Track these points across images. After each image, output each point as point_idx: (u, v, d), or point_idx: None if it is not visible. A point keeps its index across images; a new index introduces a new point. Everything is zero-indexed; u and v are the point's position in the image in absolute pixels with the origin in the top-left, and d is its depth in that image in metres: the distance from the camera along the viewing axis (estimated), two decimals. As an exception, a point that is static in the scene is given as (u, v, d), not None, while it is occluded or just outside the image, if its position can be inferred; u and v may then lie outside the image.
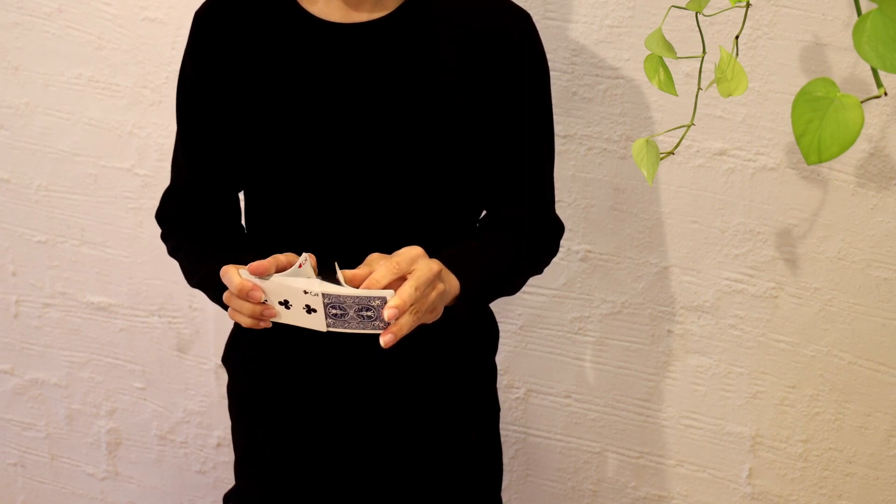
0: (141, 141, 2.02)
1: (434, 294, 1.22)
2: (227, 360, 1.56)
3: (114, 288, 2.14)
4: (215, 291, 1.36)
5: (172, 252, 1.49)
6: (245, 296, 1.21)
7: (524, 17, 1.37)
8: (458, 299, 1.30)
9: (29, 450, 2.32)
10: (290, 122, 1.36)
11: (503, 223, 1.44)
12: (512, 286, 1.43)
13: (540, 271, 1.49)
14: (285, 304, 1.21)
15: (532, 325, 1.95)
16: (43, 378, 2.25)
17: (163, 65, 1.96)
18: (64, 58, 2.01)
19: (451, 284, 1.28)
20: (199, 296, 2.09)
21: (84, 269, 2.15)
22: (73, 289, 2.16)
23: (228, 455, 2.20)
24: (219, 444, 2.20)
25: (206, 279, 1.39)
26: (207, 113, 1.41)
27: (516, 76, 1.36)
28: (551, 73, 1.66)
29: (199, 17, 1.41)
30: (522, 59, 1.36)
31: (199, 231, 1.47)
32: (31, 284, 2.19)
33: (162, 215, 1.51)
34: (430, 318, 1.24)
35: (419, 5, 1.36)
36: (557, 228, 1.49)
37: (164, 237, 1.51)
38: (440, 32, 1.35)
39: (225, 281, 1.23)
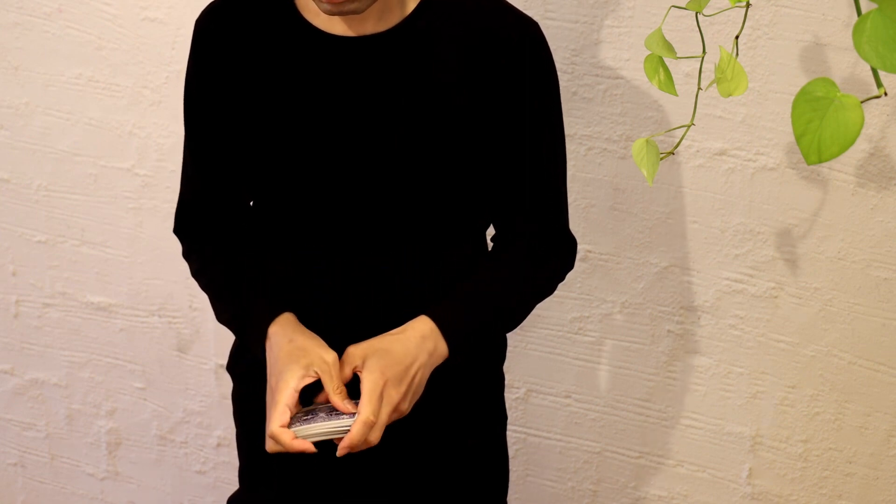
0: (141, 141, 2.02)
1: (396, 395, 1.32)
2: (231, 367, 1.55)
3: (114, 288, 2.14)
4: (242, 336, 1.42)
5: (195, 275, 1.49)
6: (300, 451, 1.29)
7: (528, 22, 1.37)
8: (447, 360, 1.36)
9: (29, 450, 2.32)
10: (293, 133, 1.36)
11: (510, 234, 1.44)
12: (510, 326, 1.45)
13: (551, 291, 1.48)
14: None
15: (532, 325, 1.95)
16: (43, 378, 2.25)
17: (163, 65, 1.96)
18: (64, 58, 2.01)
19: (439, 351, 1.35)
20: (200, 296, 2.09)
21: (84, 269, 2.15)
22: (73, 289, 2.16)
23: (228, 455, 2.20)
24: (219, 444, 2.20)
25: (236, 323, 1.43)
26: (213, 123, 1.41)
27: (516, 76, 1.36)
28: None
29: (200, 26, 1.40)
30: (522, 59, 1.36)
31: (219, 253, 1.47)
32: (31, 284, 2.19)
33: (180, 231, 1.51)
34: (405, 411, 1.34)
35: (421, 16, 1.35)
36: (570, 244, 1.48)
37: (186, 256, 1.51)
38: (440, 32, 1.35)
39: (280, 443, 1.29)
